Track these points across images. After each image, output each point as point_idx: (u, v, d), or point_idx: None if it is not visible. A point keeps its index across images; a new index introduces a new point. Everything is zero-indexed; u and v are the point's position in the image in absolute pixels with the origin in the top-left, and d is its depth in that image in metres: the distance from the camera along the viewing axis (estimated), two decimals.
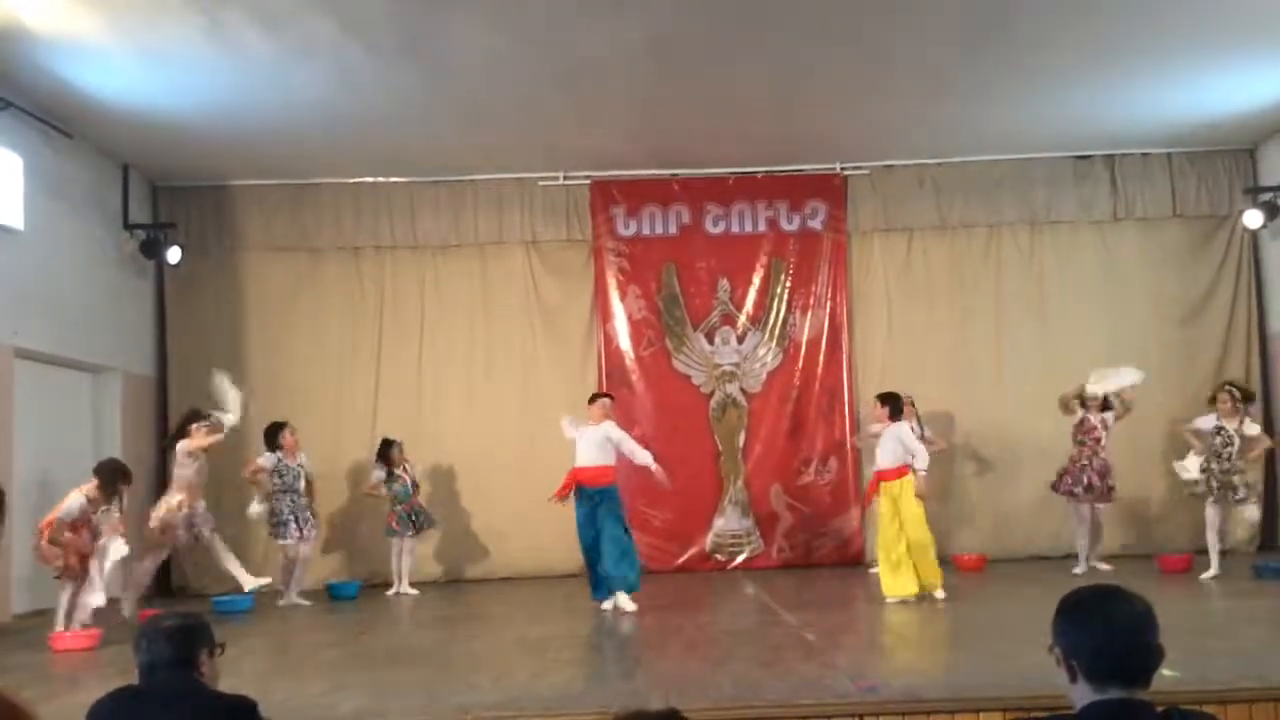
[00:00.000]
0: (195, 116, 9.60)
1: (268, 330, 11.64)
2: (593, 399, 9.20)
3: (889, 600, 8.31)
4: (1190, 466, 9.48)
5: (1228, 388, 9.58)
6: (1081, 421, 10.03)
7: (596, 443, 8.65)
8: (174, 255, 11.02)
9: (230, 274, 11.73)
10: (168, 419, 11.27)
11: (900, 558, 8.32)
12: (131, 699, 3.14)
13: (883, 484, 8.61)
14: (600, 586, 8.71)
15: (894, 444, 8.55)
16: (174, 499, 9.16)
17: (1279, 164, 11.36)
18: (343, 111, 9.65)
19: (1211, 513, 9.37)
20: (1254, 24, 8.54)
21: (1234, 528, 10.63)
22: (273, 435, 10.04)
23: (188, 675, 3.13)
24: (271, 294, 11.72)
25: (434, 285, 11.86)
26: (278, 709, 3.73)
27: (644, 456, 8.81)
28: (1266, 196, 11.28)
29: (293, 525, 9.84)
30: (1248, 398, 9.59)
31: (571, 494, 8.67)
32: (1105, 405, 10.06)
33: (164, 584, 10.80)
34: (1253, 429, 9.46)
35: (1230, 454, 9.30)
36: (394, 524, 10.42)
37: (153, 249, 10.94)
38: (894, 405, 8.67)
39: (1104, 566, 9.88)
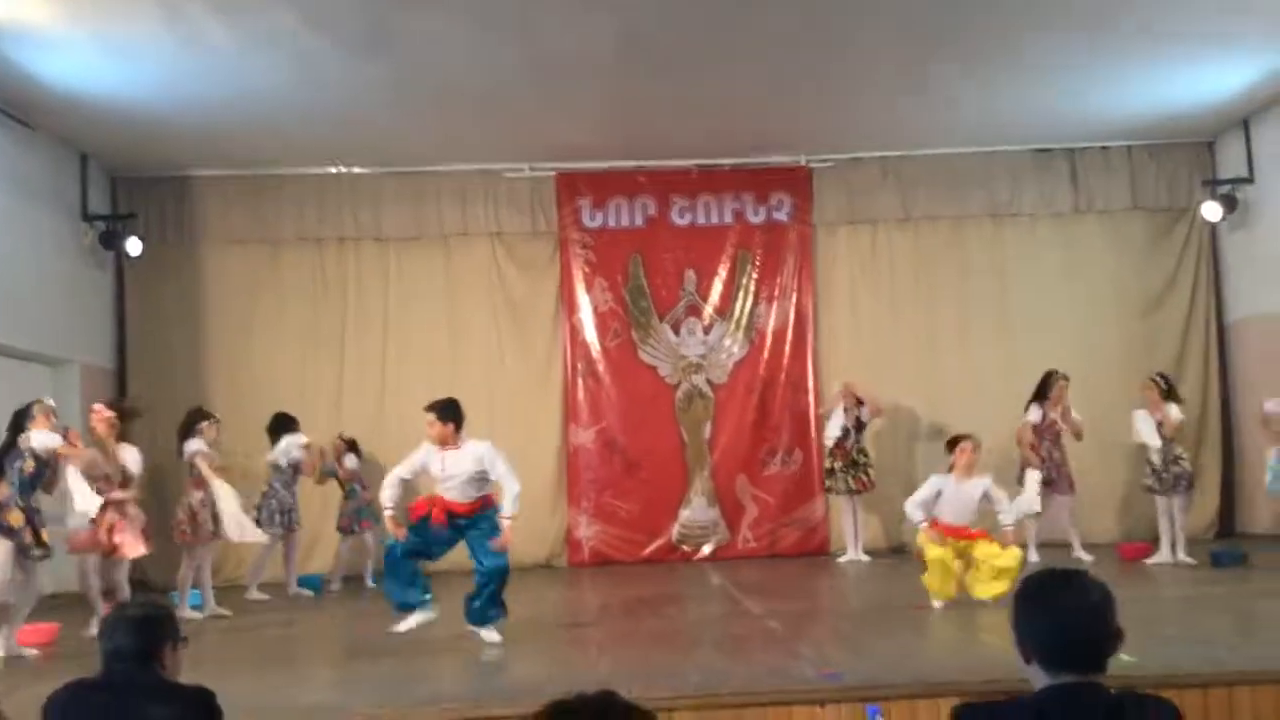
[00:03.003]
0: (155, 106, 9.48)
1: (229, 322, 11.52)
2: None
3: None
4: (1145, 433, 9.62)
5: (1153, 379, 9.79)
6: (1043, 417, 10.11)
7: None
8: (134, 247, 10.88)
9: (191, 265, 11.60)
10: None
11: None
12: (88, 690, 3.12)
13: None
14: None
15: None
16: (195, 497, 8.83)
17: (1237, 157, 11.50)
18: (305, 102, 9.57)
19: (1161, 502, 9.57)
20: (1212, 18, 8.64)
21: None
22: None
23: (148, 666, 3.12)
24: (233, 286, 11.60)
25: (398, 277, 11.78)
26: (237, 701, 3.70)
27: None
28: (1225, 189, 11.43)
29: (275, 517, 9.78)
30: (1172, 388, 9.79)
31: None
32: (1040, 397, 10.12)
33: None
34: (1176, 415, 9.61)
35: (1167, 445, 9.54)
36: (350, 521, 10.36)
37: (112, 240, 10.82)
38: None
39: (1085, 557, 9.84)
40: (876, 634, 6.68)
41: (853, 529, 10.74)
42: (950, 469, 7.57)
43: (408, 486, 7.11)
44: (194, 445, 8.91)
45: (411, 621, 6.85)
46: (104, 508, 7.56)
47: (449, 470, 6.81)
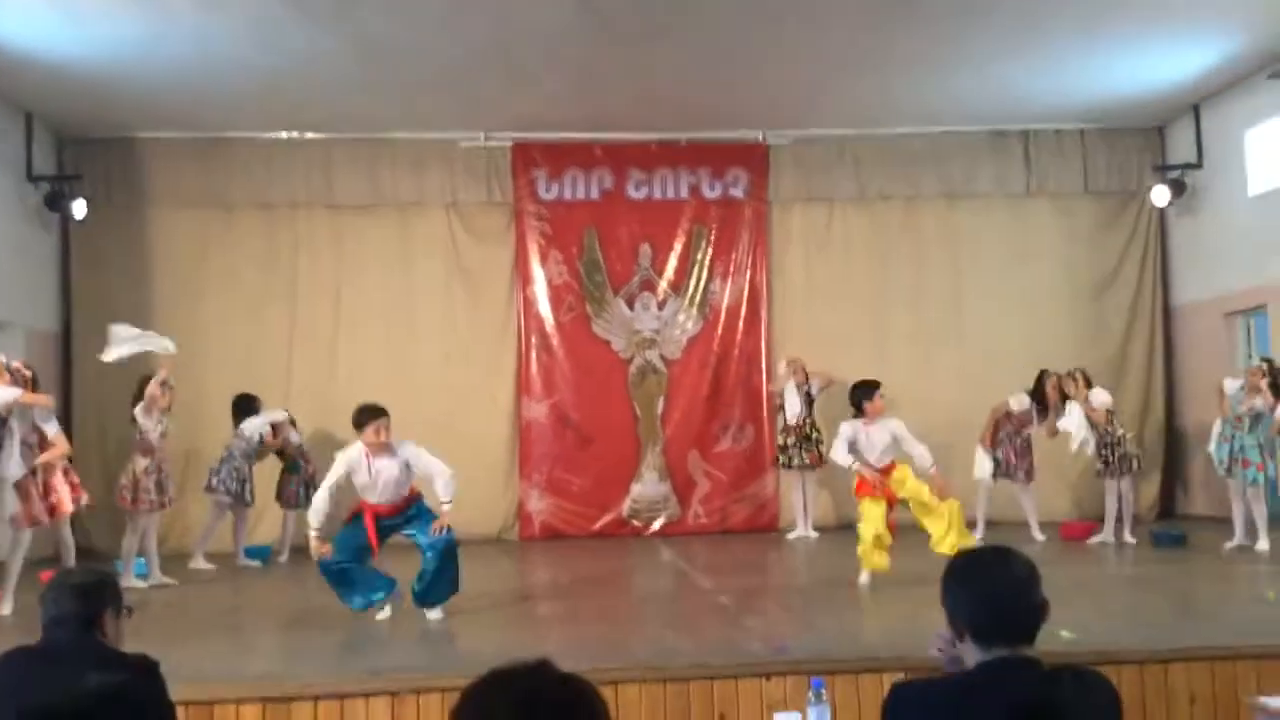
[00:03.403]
0: (104, 66, 9.28)
1: (176, 287, 11.33)
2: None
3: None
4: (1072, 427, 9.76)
5: (1072, 374, 9.94)
6: (1007, 413, 10.23)
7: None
8: (79, 209, 10.65)
9: (138, 229, 11.39)
10: (72, 375, 10.98)
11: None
12: (24, 659, 3.06)
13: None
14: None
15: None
16: (139, 464, 8.54)
17: (1186, 143, 11.67)
18: (258, 64, 9.40)
19: (1109, 484, 9.77)
20: (1163, 6, 8.75)
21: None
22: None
23: (88, 634, 3.08)
24: (181, 250, 11.40)
25: (351, 245, 11.64)
26: (180, 670, 3.67)
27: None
28: (1174, 174, 11.61)
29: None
30: (1088, 377, 9.93)
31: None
32: (1037, 397, 10.18)
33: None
34: (1102, 398, 9.77)
35: (1108, 429, 9.73)
36: (294, 495, 10.25)
37: (57, 202, 10.59)
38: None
39: (1039, 537, 9.93)
40: (823, 609, 6.75)
41: (802, 505, 10.84)
42: (859, 415, 7.59)
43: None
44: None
45: (387, 609, 6.62)
46: (31, 472, 7.36)
47: (381, 478, 6.55)
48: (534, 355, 11.72)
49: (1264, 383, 8.84)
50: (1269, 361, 9.15)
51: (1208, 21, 9.19)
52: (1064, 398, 9.93)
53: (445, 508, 6.68)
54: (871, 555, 7.31)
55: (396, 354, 11.45)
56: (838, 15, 8.79)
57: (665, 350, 11.86)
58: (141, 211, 11.39)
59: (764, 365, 11.81)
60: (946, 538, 7.24)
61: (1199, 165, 11.47)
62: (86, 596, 3.12)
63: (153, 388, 8.69)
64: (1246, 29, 9.37)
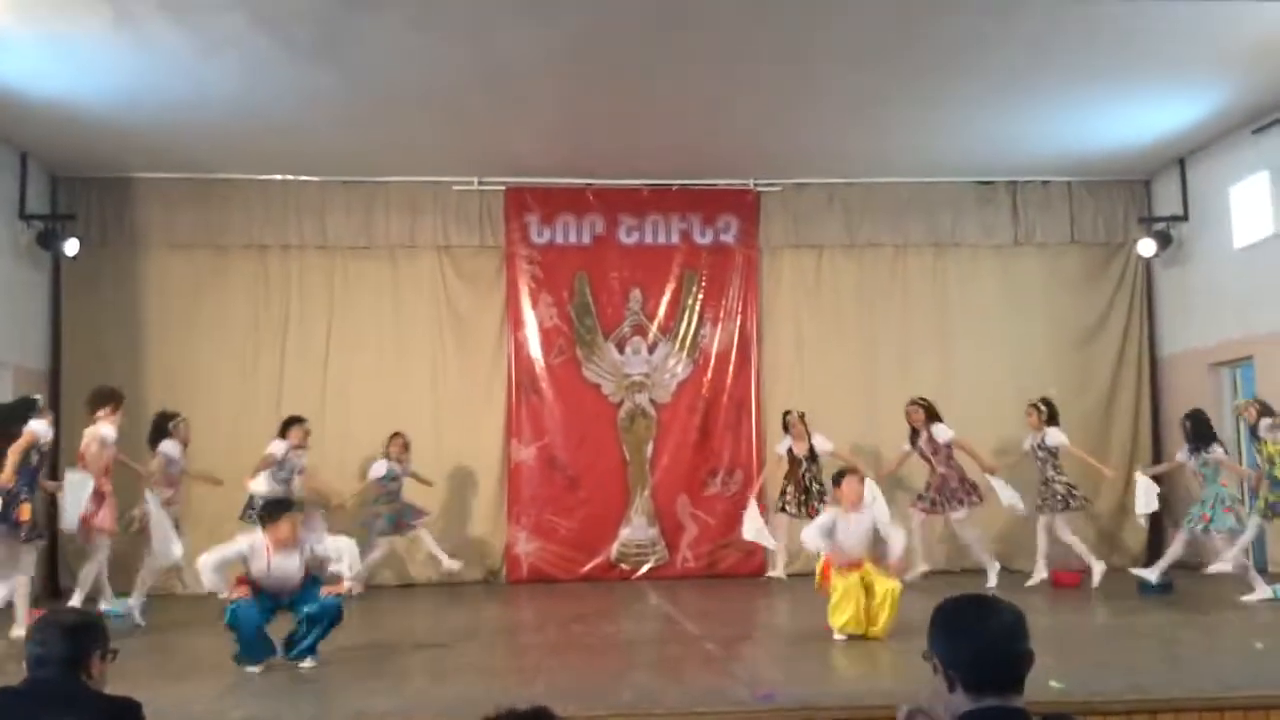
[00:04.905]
0: (99, 106, 9.34)
1: (168, 328, 11.33)
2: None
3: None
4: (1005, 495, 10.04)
5: (1033, 403, 10.11)
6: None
7: None
8: (72, 248, 10.66)
9: (130, 269, 11.41)
10: (60, 415, 10.91)
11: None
12: (11, 699, 3.04)
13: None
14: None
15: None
16: (165, 494, 8.67)
17: (1172, 195, 11.81)
18: (253, 107, 9.47)
19: (1043, 520, 9.94)
20: (1149, 62, 8.89)
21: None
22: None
23: (74, 675, 3.06)
24: (173, 291, 11.42)
25: (343, 288, 11.67)
26: (164, 714, 3.65)
27: None
28: (1160, 226, 11.74)
29: None
30: (1053, 412, 10.07)
31: None
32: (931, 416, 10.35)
33: (53, 584, 10.47)
34: (1057, 438, 9.95)
35: (1041, 466, 9.96)
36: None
37: (50, 240, 10.61)
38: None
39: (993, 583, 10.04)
40: (810, 656, 6.73)
41: (783, 550, 10.83)
42: (838, 502, 7.46)
43: None
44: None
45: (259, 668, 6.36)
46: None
47: (276, 573, 6.45)
48: (524, 398, 11.73)
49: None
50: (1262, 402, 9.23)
51: (1193, 78, 9.33)
52: (1051, 419, 10.03)
53: (347, 583, 6.71)
54: (840, 613, 7.16)
55: (386, 396, 11.44)
56: (827, 66, 8.90)
57: (655, 394, 11.88)
58: (134, 251, 11.41)
59: (753, 410, 11.84)
60: (880, 622, 7.13)
61: (1185, 218, 11.60)
62: (76, 638, 3.10)
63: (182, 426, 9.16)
64: (1231, 85, 9.51)
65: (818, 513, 10.39)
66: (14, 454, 7.57)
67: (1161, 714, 4.77)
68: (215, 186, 11.39)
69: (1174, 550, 9.43)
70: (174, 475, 8.99)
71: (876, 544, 7.49)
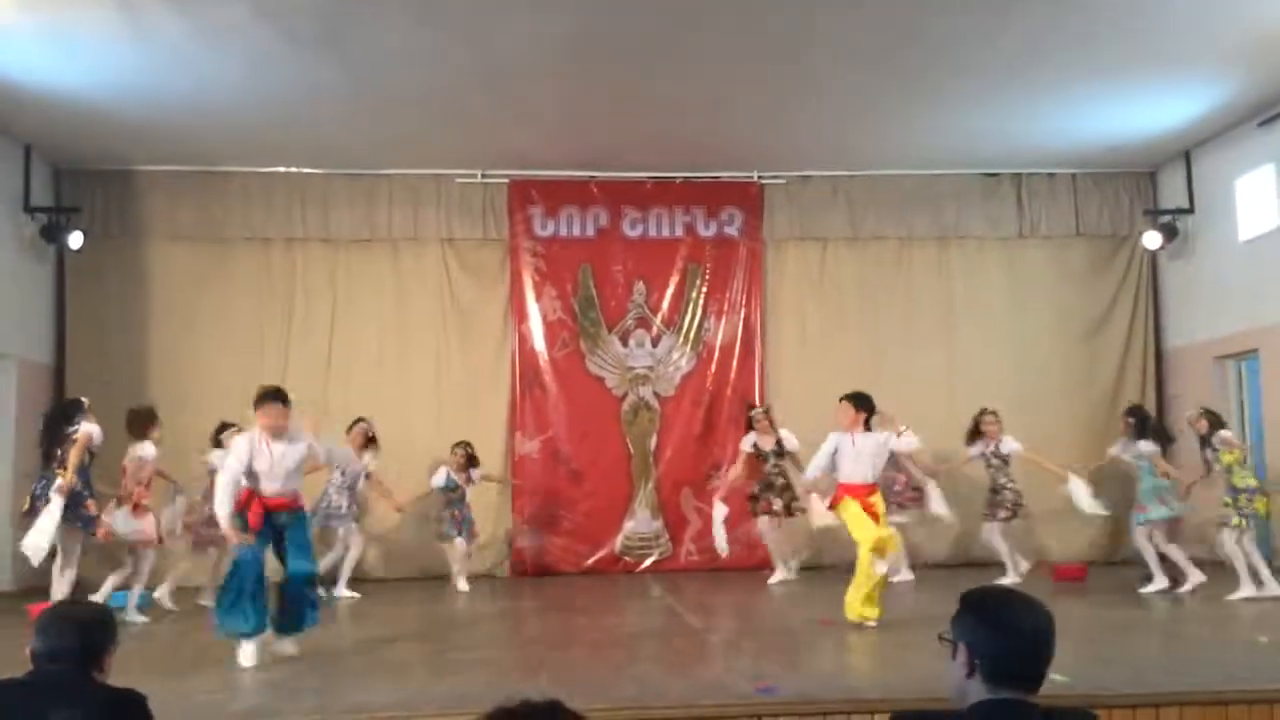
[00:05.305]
0: (103, 99, 9.34)
1: (172, 320, 11.35)
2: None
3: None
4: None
5: (991, 411, 10.05)
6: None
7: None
8: (76, 240, 10.69)
9: (134, 261, 11.42)
10: None
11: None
12: (16, 692, 3.03)
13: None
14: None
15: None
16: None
17: (1178, 187, 11.77)
18: (256, 99, 9.47)
19: (989, 527, 9.89)
20: (1154, 54, 8.86)
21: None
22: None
23: (85, 670, 3.04)
24: (177, 282, 11.43)
25: (346, 280, 11.68)
26: (167, 706, 3.64)
27: None
28: (1165, 218, 11.70)
29: None
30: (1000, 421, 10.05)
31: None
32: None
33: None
34: (1010, 445, 9.93)
35: (994, 474, 9.93)
36: None
37: (54, 233, 10.62)
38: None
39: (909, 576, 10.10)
40: (813, 649, 6.73)
41: (779, 548, 10.54)
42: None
43: None
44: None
45: (250, 652, 6.20)
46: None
47: (279, 463, 6.42)
48: (528, 391, 11.72)
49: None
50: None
51: (1199, 71, 9.30)
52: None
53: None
54: (857, 605, 7.21)
55: (390, 388, 11.44)
56: (831, 59, 8.88)
57: (659, 387, 11.87)
58: (138, 244, 11.42)
59: (757, 403, 11.78)
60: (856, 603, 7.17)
61: (1190, 210, 11.56)
62: (90, 633, 3.09)
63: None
64: (1237, 78, 9.48)
65: (780, 511, 10.26)
66: (75, 455, 7.90)
67: (1165, 708, 4.75)
68: (219, 179, 11.40)
69: (1152, 557, 9.29)
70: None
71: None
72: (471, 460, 10.54)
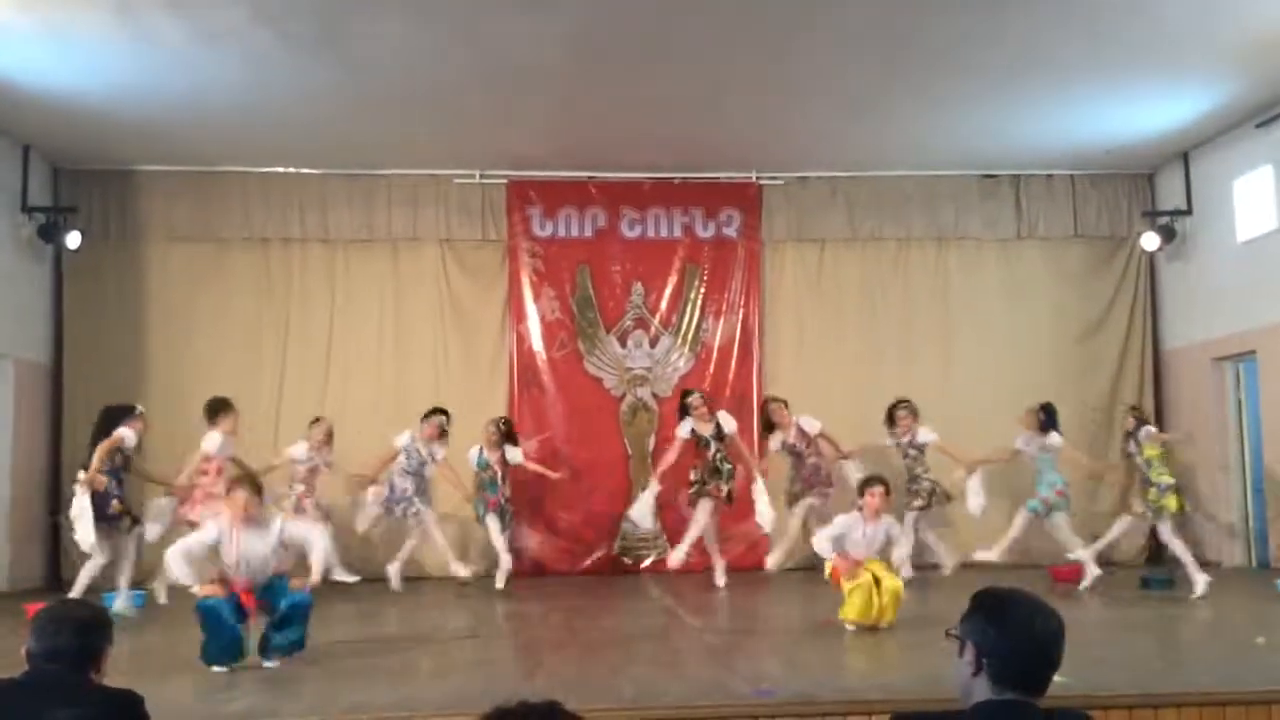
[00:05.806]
0: (101, 99, 9.34)
1: (170, 320, 11.34)
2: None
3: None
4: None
5: (904, 401, 10.22)
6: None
7: None
8: (73, 240, 10.68)
9: (132, 261, 11.41)
10: (62, 408, 10.94)
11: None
12: (12, 691, 3.02)
13: None
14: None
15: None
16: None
17: (1176, 188, 11.78)
18: (254, 100, 9.47)
19: (907, 517, 9.91)
20: (1152, 55, 8.88)
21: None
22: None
23: (82, 670, 3.04)
24: (174, 282, 11.42)
25: (344, 281, 11.68)
26: (164, 706, 3.64)
27: None
28: (1163, 220, 11.71)
29: None
30: (914, 412, 10.21)
31: None
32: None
33: (55, 575, 10.47)
34: (927, 436, 10.10)
35: (910, 464, 10.11)
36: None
37: (51, 233, 10.61)
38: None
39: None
40: (811, 650, 6.71)
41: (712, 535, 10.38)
42: (860, 509, 7.50)
43: None
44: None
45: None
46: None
47: (246, 556, 6.03)
48: (526, 391, 11.71)
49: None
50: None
51: (1197, 72, 9.31)
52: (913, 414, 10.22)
53: (316, 577, 6.37)
54: (853, 606, 7.19)
55: (388, 389, 11.45)
56: (829, 60, 8.89)
57: (657, 388, 11.87)
58: (136, 244, 11.42)
59: (755, 404, 11.79)
60: (887, 616, 7.19)
61: (1188, 211, 11.57)
62: (88, 633, 3.08)
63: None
64: (1235, 80, 9.49)
65: (723, 493, 10.19)
66: (99, 455, 8.18)
67: (1164, 709, 4.75)
68: (217, 179, 11.40)
69: (1014, 530, 9.62)
70: (301, 471, 9.69)
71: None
72: (508, 437, 10.30)
